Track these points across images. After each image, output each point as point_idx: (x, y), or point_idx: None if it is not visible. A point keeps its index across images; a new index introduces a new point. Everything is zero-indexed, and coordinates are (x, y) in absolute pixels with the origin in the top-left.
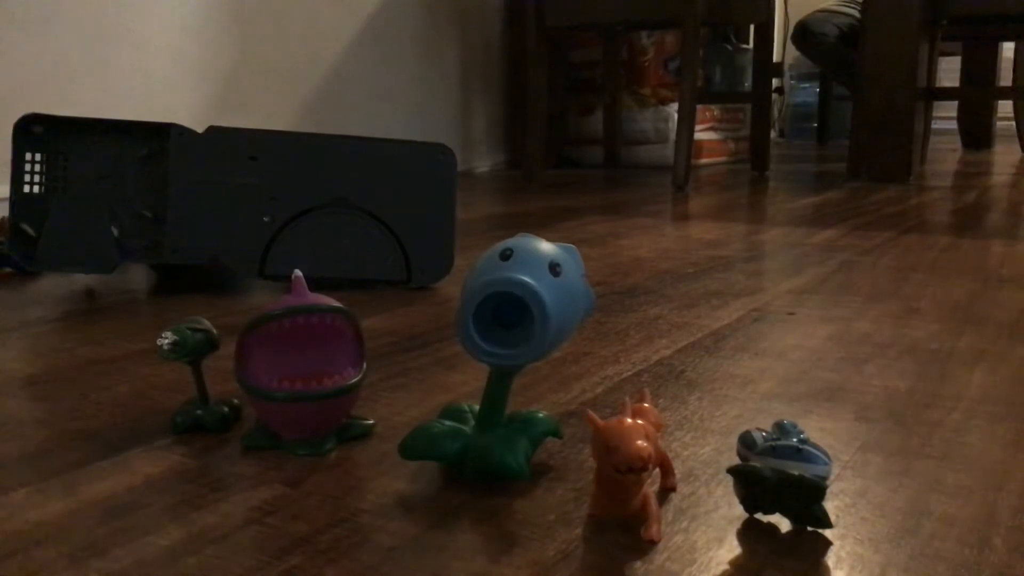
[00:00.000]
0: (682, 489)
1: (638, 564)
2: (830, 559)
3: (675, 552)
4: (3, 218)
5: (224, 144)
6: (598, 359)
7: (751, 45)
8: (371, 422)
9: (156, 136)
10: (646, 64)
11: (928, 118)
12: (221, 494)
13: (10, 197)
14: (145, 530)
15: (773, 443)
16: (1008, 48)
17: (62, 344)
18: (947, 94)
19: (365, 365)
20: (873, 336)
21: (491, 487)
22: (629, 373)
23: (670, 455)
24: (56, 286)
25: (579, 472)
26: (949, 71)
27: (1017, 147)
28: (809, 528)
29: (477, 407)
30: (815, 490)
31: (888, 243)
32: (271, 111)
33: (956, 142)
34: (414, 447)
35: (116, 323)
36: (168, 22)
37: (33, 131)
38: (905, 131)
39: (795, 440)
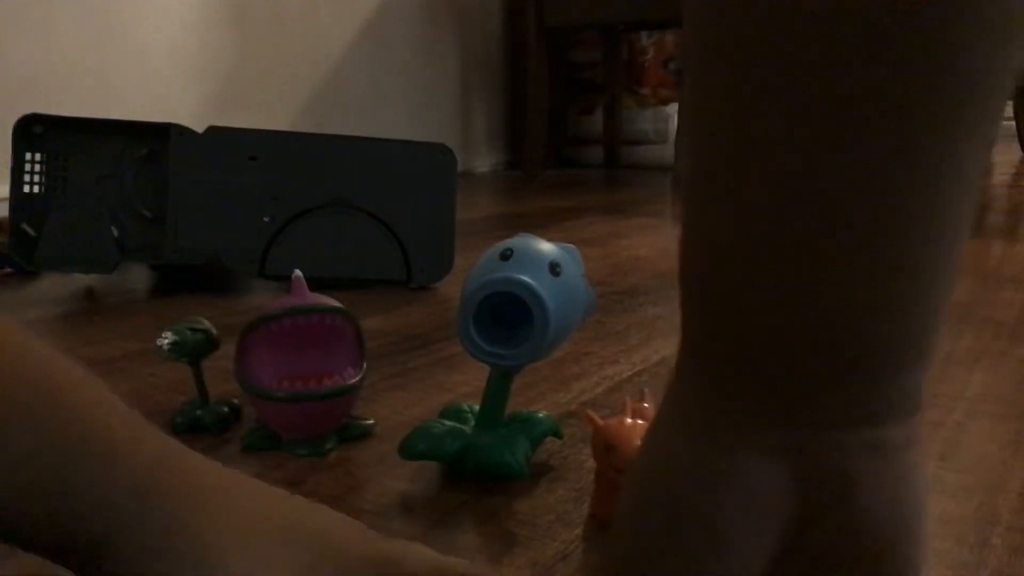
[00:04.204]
0: None
1: None
2: None
3: None
4: (3, 218)
5: (224, 144)
6: (598, 359)
7: None
8: (371, 422)
9: (156, 136)
10: (646, 64)
11: None
12: None
13: (10, 197)
14: None
15: None
16: None
17: (62, 344)
18: None
19: (365, 365)
20: None
21: (491, 487)
22: (629, 373)
23: None
24: (56, 286)
25: (579, 472)
26: None
27: (1017, 147)
28: None
29: (477, 407)
30: None
31: None
32: (271, 111)
33: None
34: (414, 447)
35: (116, 323)
36: (168, 22)
37: (33, 131)
38: None
39: None
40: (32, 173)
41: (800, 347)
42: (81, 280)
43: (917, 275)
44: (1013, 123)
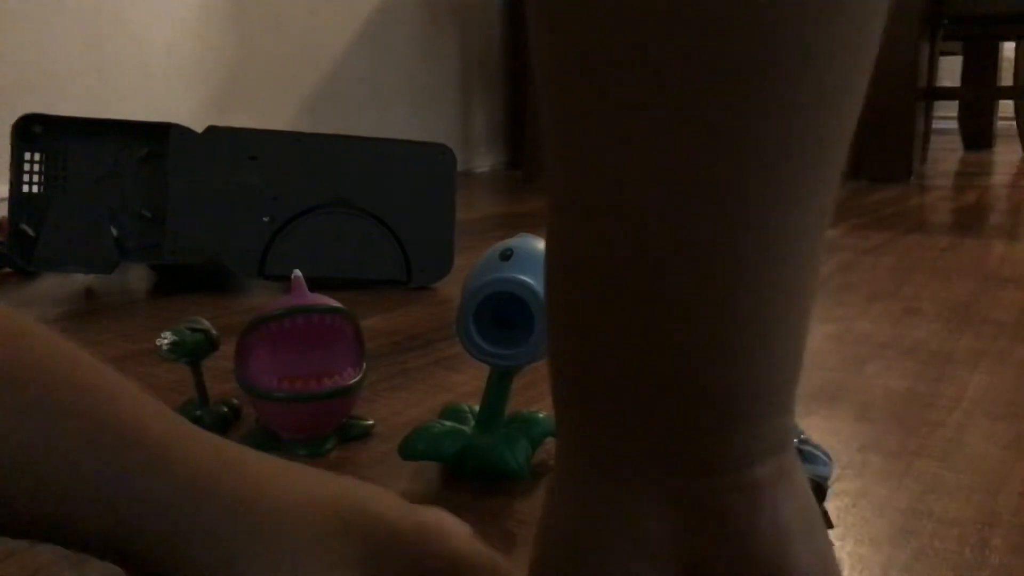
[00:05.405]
0: None
1: None
2: None
3: None
4: (2, 218)
5: (224, 144)
6: None
7: None
8: (371, 422)
9: (156, 136)
10: None
11: (928, 118)
12: None
13: (9, 197)
14: None
15: None
16: (1008, 48)
17: None
18: (947, 94)
19: (365, 365)
20: (873, 336)
21: (491, 487)
22: None
23: None
24: (56, 286)
25: None
26: (949, 71)
27: (1017, 147)
28: None
29: (477, 407)
30: (816, 490)
31: (888, 243)
32: (271, 111)
33: (956, 142)
34: (414, 447)
35: (116, 323)
36: (168, 22)
37: (33, 131)
38: (905, 131)
39: (795, 440)
40: (31, 173)
41: (656, 398)
42: (81, 280)
43: (760, 327)
44: (1013, 123)
